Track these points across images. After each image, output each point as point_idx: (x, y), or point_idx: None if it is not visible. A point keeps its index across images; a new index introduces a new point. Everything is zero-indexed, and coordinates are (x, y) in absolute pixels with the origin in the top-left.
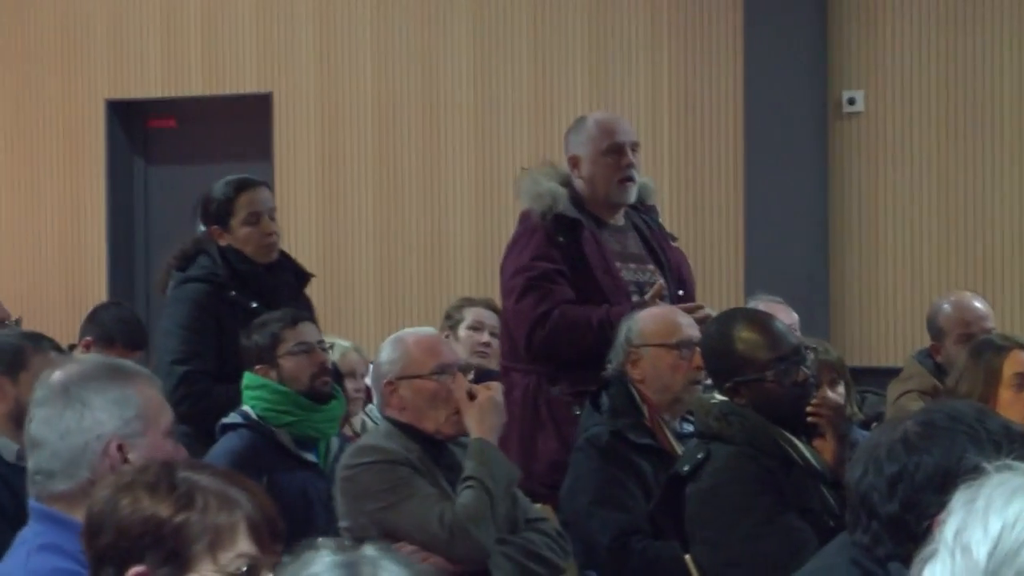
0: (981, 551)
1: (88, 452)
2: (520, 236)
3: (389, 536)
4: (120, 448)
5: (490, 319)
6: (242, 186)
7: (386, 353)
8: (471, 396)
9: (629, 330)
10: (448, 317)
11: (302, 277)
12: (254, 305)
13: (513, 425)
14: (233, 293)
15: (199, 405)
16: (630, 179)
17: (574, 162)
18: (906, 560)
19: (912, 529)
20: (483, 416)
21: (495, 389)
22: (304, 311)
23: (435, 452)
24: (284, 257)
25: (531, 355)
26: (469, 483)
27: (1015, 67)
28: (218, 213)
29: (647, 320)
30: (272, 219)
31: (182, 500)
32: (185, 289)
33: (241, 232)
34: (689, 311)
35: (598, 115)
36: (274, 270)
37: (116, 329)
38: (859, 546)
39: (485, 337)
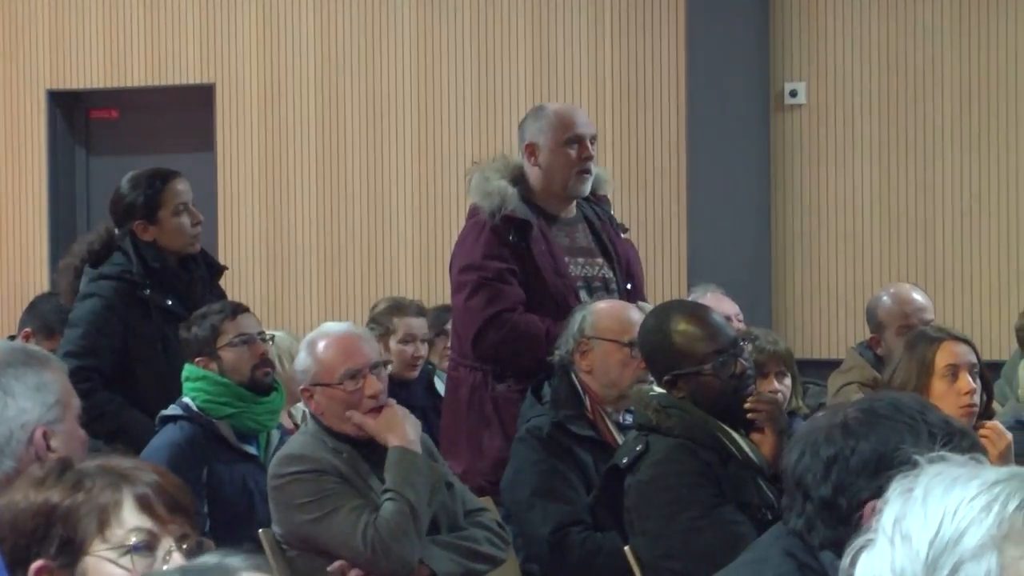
0: (921, 539)
1: (13, 441)
2: (470, 231)
3: (318, 548)
4: (44, 435)
5: (420, 328)
6: (168, 177)
7: (300, 358)
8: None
9: (583, 320)
10: (376, 323)
11: (214, 269)
12: (168, 303)
13: (461, 423)
14: (147, 292)
15: (83, 402)
16: (587, 172)
17: (531, 150)
18: (837, 544)
19: (843, 513)
20: (391, 425)
21: (392, 405)
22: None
23: (366, 450)
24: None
25: (476, 355)
26: (389, 495)
27: (955, 56)
28: (146, 207)
29: (602, 314)
30: (195, 208)
31: (68, 485)
32: (99, 285)
33: (172, 223)
34: None
35: (557, 105)
36: (188, 265)
37: (56, 320)
38: (794, 533)
39: (421, 350)
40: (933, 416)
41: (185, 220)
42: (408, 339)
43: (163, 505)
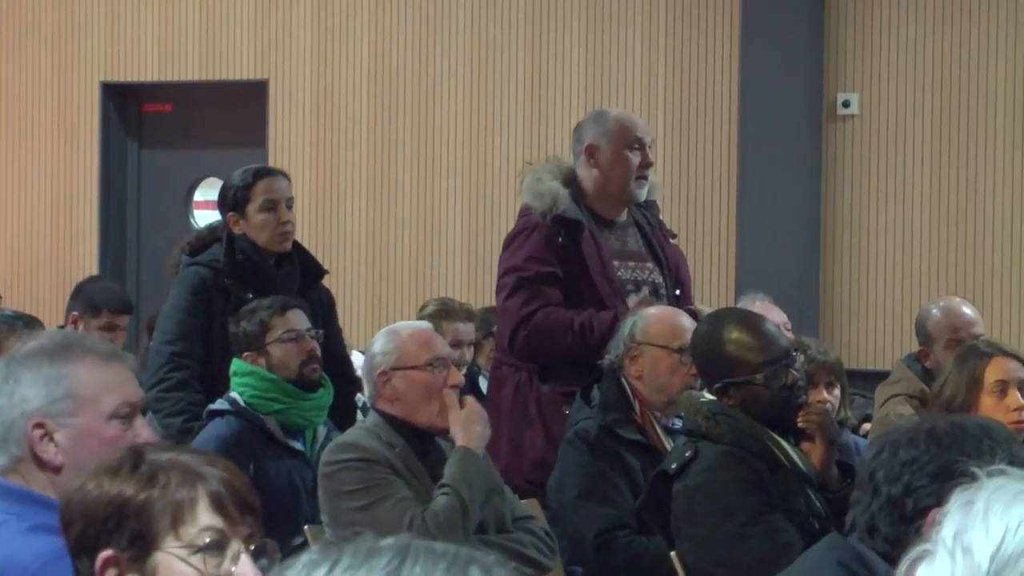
0: (983, 553)
1: (15, 429)
2: (519, 233)
3: None
4: (41, 426)
5: (468, 334)
6: (261, 173)
7: (379, 344)
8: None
9: (634, 325)
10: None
11: (313, 272)
12: (250, 296)
13: (503, 421)
14: (228, 282)
15: (172, 394)
16: (646, 178)
17: (591, 151)
18: (895, 544)
19: (907, 513)
20: (469, 424)
21: (475, 404)
22: (302, 302)
23: (422, 447)
24: (297, 250)
25: (514, 354)
26: (443, 490)
27: (1009, 70)
28: (235, 199)
29: (653, 320)
30: (289, 208)
31: (144, 479)
32: (187, 272)
33: (257, 219)
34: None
35: (618, 111)
36: (281, 263)
37: (101, 297)
38: (857, 529)
39: (467, 355)
40: (1019, 450)
41: (271, 217)
42: (455, 344)
43: (234, 505)
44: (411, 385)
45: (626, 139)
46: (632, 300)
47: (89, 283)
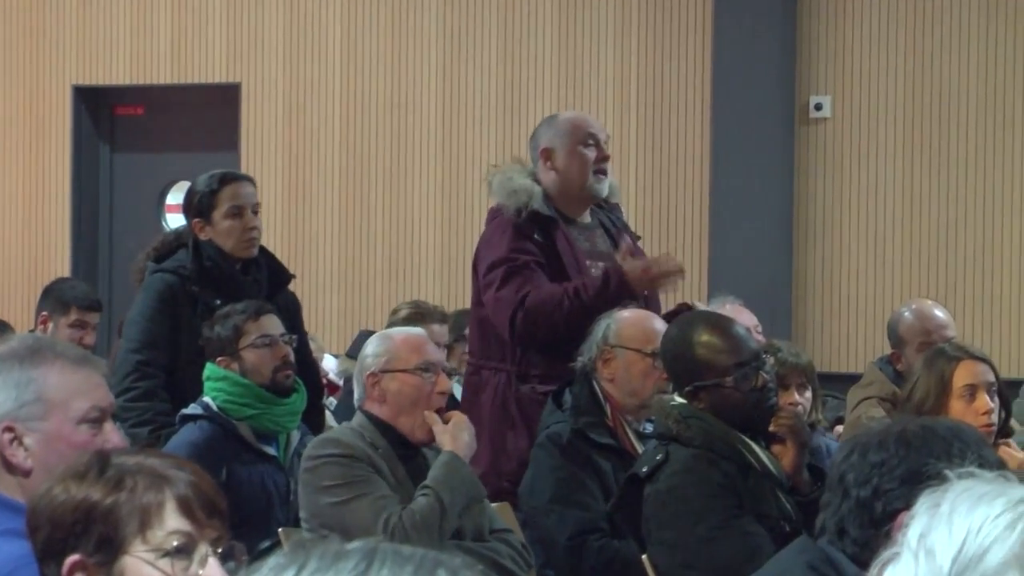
0: (945, 555)
1: None
2: (493, 232)
3: (341, 532)
4: (11, 430)
5: (442, 336)
6: (226, 179)
7: (372, 347)
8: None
9: (607, 328)
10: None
11: (280, 277)
12: (218, 302)
13: (483, 425)
14: (196, 288)
15: (138, 404)
16: (604, 172)
17: (547, 154)
18: (865, 547)
19: (876, 516)
20: (457, 433)
21: (463, 416)
22: (271, 306)
23: (405, 452)
24: (264, 255)
25: (515, 341)
26: (424, 491)
27: (980, 74)
28: (200, 206)
29: (627, 323)
30: (255, 214)
31: (110, 484)
32: (152, 279)
33: (223, 225)
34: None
35: (569, 113)
36: (248, 269)
37: (70, 294)
38: (827, 532)
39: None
40: (988, 454)
41: (236, 223)
42: None
43: (201, 508)
44: (401, 387)
45: (578, 136)
46: (618, 256)
47: (58, 283)
